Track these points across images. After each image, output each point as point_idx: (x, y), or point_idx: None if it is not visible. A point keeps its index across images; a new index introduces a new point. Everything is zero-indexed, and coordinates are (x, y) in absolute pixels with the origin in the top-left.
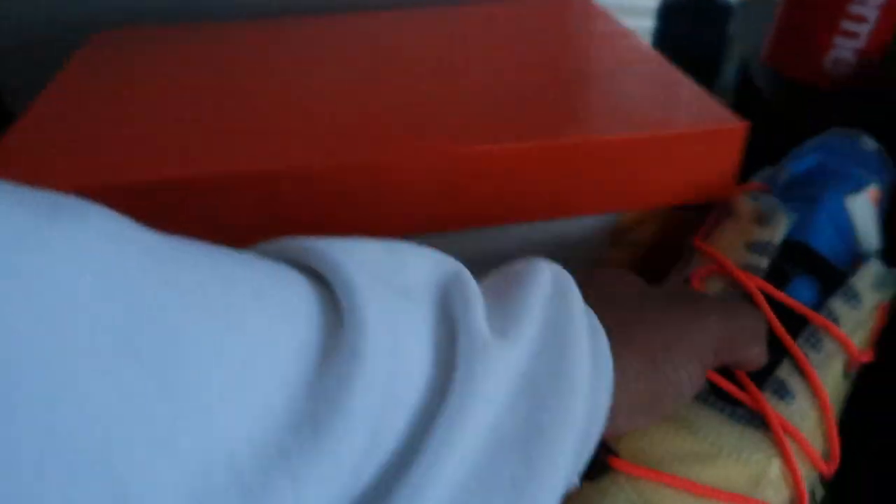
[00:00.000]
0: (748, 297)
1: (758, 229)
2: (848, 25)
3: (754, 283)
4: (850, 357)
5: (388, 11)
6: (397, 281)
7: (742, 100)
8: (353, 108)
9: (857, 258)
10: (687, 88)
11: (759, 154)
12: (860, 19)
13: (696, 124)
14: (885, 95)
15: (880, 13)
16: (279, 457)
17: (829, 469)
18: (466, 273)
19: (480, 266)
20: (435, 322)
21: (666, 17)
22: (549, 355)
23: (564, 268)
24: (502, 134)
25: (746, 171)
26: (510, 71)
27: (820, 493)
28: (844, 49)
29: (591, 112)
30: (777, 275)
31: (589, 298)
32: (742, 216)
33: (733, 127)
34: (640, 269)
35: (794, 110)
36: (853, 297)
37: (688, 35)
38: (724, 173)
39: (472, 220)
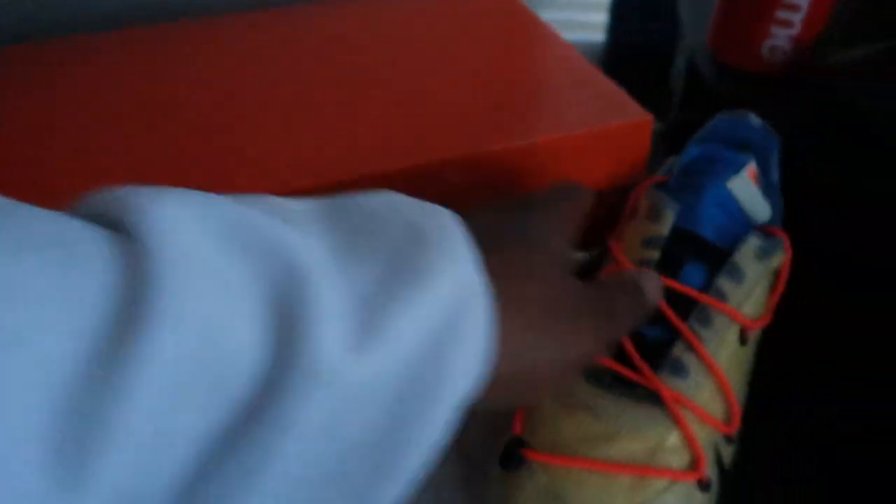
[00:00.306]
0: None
1: (650, 225)
2: (782, 14)
3: None
4: (743, 326)
5: (301, 7)
6: (233, 260)
7: (689, 89)
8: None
9: (753, 230)
10: (599, 83)
11: None
12: (794, 8)
13: (608, 120)
14: (819, 82)
15: (812, 1)
16: (44, 481)
17: (730, 429)
18: (316, 274)
19: None
20: (263, 326)
21: (618, 10)
22: (421, 372)
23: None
24: (427, 147)
25: None
26: (424, 77)
27: (727, 450)
28: (780, 37)
29: (509, 118)
30: (670, 263)
31: (492, 274)
32: (640, 213)
33: (641, 120)
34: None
35: (737, 97)
36: (735, 273)
37: (640, 28)
38: (637, 161)
39: None
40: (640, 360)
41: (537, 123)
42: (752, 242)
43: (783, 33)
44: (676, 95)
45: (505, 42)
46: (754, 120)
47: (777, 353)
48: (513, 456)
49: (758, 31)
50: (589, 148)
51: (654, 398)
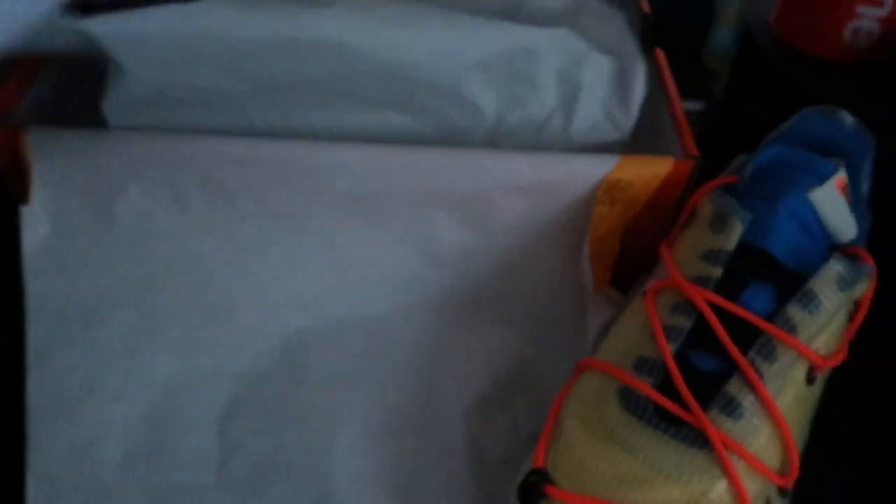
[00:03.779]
0: (699, 312)
1: (712, 236)
2: None
3: (702, 296)
4: (813, 364)
5: None
6: None
7: (742, 67)
8: None
9: (834, 251)
10: None
11: (761, 128)
12: None
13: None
14: None
15: None
16: None
17: (787, 481)
18: None
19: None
20: None
21: None
22: None
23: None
24: None
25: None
26: None
27: (780, 503)
28: (867, 18)
29: None
30: (733, 282)
31: None
32: (700, 221)
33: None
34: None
35: (805, 84)
36: (810, 302)
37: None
38: None
39: None
40: (689, 395)
41: None
42: (834, 268)
43: (871, 14)
44: (720, 76)
45: None
46: (847, 119)
47: (845, 394)
48: (532, 491)
49: (839, 10)
50: None
51: (700, 439)
